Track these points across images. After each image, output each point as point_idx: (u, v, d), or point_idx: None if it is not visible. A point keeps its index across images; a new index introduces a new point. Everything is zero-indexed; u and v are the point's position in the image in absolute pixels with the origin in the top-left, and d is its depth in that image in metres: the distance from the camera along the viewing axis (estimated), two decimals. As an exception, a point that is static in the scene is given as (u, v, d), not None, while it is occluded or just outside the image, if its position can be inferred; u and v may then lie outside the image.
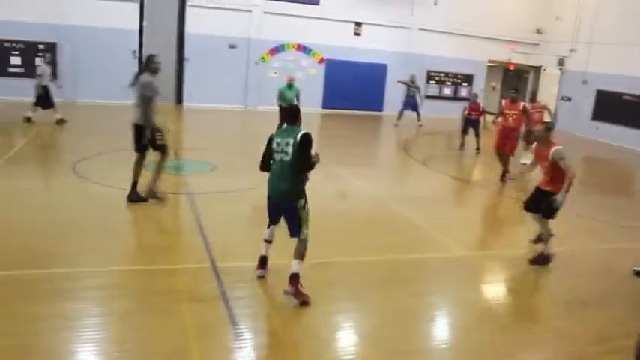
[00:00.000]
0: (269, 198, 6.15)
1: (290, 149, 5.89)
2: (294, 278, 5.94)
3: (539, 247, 8.02)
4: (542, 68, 25.81)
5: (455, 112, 24.42)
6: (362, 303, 6.22)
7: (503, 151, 12.56)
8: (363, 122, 21.20)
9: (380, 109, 23.35)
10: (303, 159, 5.86)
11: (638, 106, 20.41)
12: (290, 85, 14.97)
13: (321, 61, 22.28)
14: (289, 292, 5.93)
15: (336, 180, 11.79)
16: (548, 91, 25.36)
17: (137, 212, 8.55)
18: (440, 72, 24.60)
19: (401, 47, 23.46)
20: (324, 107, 22.19)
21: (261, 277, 6.42)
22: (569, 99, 23.33)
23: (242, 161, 12.61)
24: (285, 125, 6.20)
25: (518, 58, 25.70)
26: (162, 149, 8.86)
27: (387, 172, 13.67)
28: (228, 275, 6.43)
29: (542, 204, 7.55)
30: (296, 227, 6.04)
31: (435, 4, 23.12)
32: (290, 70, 21.57)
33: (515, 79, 27.77)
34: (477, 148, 16.27)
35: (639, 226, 10.26)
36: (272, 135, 6.14)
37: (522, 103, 12.65)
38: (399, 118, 20.35)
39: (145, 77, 8.67)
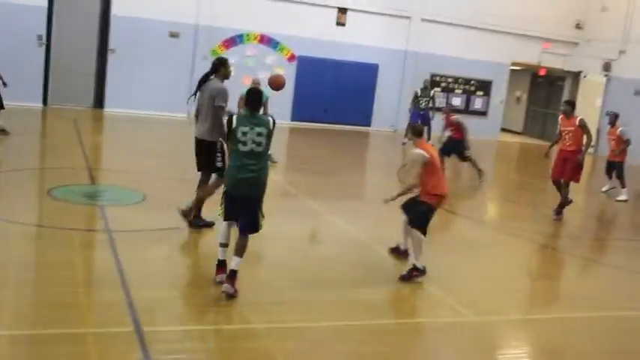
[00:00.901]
0: (228, 193, 7.42)
1: (263, 140, 7.20)
2: (233, 275, 7.30)
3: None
4: (583, 74, 26.38)
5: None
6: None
7: (559, 180, 13.23)
8: (345, 140, 21.36)
9: (367, 124, 23.60)
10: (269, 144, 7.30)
11: None
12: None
13: (292, 58, 22.50)
14: (228, 290, 7.26)
15: (309, 217, 11.84)
16: (589, 104, 25.90)
17: (38, 256, 8.47)
18: (448, 76, 25.01)
19: (397, 43, 23.81)
20: (294, 120, 22.37)
21: (220, 283, 7.46)
22: (616, 116, 23.76)
23: (181, 189, 12.59)
24: (245, 111, 7.44)
25: (551, 61, 26.28)
26: (220, 172, 9.51)
27: (375, 207, 13.71)
28: (158, 344, 6.40)
29: None
30: (254, 223, 7.45)
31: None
32: (251, 69, 21.77)
33: (547, 88, 28.34)
34: (479, 175, 16.32)
35: None
36: (231, 121, 7.26)
37: (579, 118, 13.04)
38: (406, 135, 20.53)
39: (216, 83, 9.40)
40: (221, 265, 7.64)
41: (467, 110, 25.33)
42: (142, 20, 20.73)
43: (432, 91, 20.85)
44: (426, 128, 20.59)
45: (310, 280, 8.58)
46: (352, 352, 6.84)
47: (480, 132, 24.64)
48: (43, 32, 19.95)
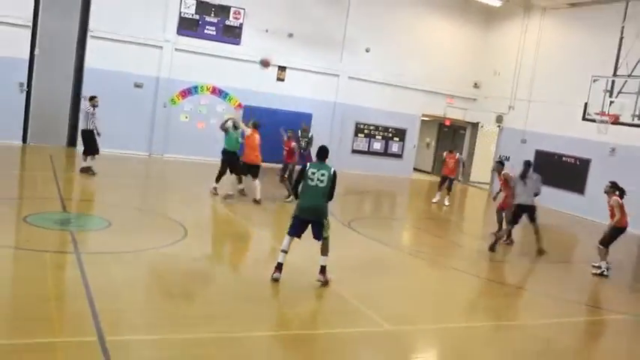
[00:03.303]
0: (297, 217, 9.06)
1: (325, 179, 9.02)
2: (323, 270, 9.15)
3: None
4: (480, 125, 27.10)
5: (385, 169, 25.19)
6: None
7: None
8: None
9: (303, 164, 23.66)
10: (333, 188, 9.09)
11: (577, 169, 21.70)
12: (236, 127, 16.24)
13: (239, 106, 22.51)
14: (321, 279, 9.11)
15: (255, 241, 11.77)
16: (485, 150, 26.63)
17: (13, 273, 8.22)
18: (370, 125, 25.35)
19: (328, 96, 24.09)
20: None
21: (275, 280, 8.84)
22: (507, 159, 24.46)
23: (142, 218, 12.43)
24: (316, 160, 9.31)
25: (454, 114, 26.93)
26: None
27: (306, 235, 13.80)
28: (119, 350, 6.26)
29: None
30: (320, 233, 9.11)
31: (367, 51, 24.01)
32: (204, 115, 21.74)
33: (451, 136, 28.99)
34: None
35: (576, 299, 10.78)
36: (306, 167, 9.14)
37: (504, 172, 14.61)
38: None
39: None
40: (279, 266, 9.03)
41: (385, 153, 25.69)
42: (111, 72, 20.47)
43: (311, 133, 20.89)
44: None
45: (253, 295, 8.52)
46: (283, 358, 6.82)
47: (396, 171, 25.13)
48: (24, 80, 19.55)
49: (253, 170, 15.46)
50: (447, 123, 27.86)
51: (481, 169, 26.65)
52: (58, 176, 15.77)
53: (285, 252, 9.10)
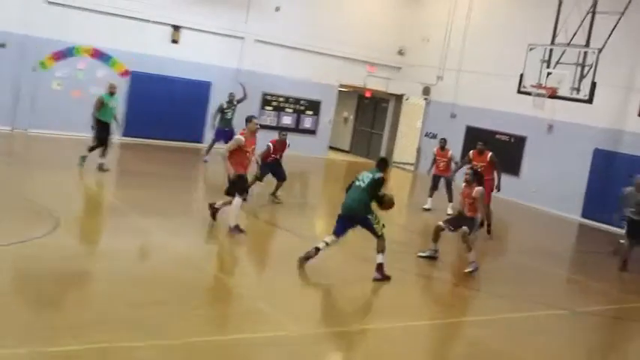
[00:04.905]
0: (340, 217, 10.67)
1: (366, 180, 10.60)
2: (380, 267, 10.50)
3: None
4: (405, 97, 27.50)
5: (296, 147, 25.12)
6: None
7: None
8: (178, 157, 21.08)
9: (200, 140, 23.39)
10: (375, 195, 10.57)
11: (511, 148, 22.37)
12: (112, 94, 16.38)
13: (125, 73, 21.92)
14: (377, 277, 10.45)
15: (137, 234, 11.61)
16: (410, 126, 27.05)
17: None
18: (279, 96, 25.25)
19: (231, 62, 23.82)
20: (125, 135, 21.61)
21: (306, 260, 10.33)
22: (434, 136, 24.97)
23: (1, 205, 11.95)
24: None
25: (376, 84, 27.19)
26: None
27: (205, 224, 13.66)
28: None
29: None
30: (373, 230, 10.48)
31: (277, 10, 23.86)
32: (81, 82, 21.07)
33: (372, 109, 29.31)
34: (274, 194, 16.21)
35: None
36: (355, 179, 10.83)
37: (490, 154, 15.81)
38: (208, 152, 20.37)
39: None
40: (315, 251, 10.48)
41: (297, 129, 25.65)
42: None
43: (236, 102, 20.83)
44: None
45: (138, 299, 8.34)
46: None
47: (309, 150, 25.15)
48: None
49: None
50: (368, 95, 28.13)
51: (406, 148, 27.10)
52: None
53: (327, 244, 10.57)
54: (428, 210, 17.30)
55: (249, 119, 12.31)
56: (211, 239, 12.53)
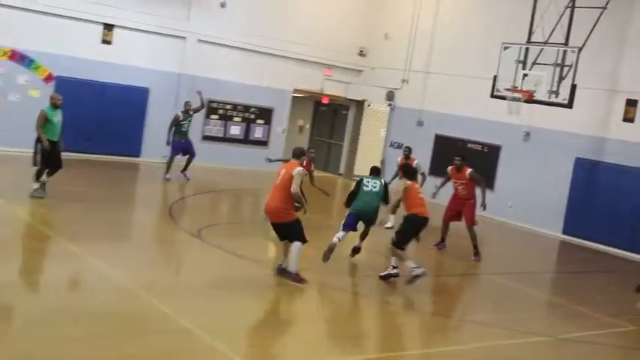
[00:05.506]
0: (354, 215, 13.32)
1: (378, 186, 13.52)
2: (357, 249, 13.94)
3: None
4: (367, 103, 27.62)
5: (246, 160, 25.12)
6: None
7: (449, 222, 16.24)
8: (111, 173, 20.84)
9: (137, 154, 23.24)
10: (386, 197, 13.71)
11: (485, 158, 22.59)
12: (56, 106, 15.64)
13: (49, 78, 21.68)
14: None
15: (69, 261, 11.46)
16: (373, 135, 27.14)
17: None
18: (226, 103, 25.17)
19: (171, 65, 23.70)
20: (51, 148, 21.47)
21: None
22: (400, 146, 25.11)
23: None
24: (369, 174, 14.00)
25: (334, 89, 27.29)
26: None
27: (143, 249, 13.55)
28: None
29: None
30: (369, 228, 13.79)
31: (223, 5, 23.79)
32: (-1, 89, 20.82)
33: (331, 117, 29.38)
34: None
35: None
36: (361, 180, 13.74)
37: (469, 170, 15.83)
38: (168, 169, 20.23)
39: None
40: (333, 247, 12.65)
41: (246, 140, 25.63)
42: None
43: (192, 112, 20.81)
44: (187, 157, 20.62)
45: (68, 334, 8.25)
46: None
47: (260, 163, 25.08)
48: None
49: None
50: (325, 101, 28.18)
51: (369, 160, 27.15)
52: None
53: (340, 240, 12.82)
54: (390, 228, 17.34)
55: (304, 152, 12.68)
56: (150, 265, 12.45)
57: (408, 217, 12.79)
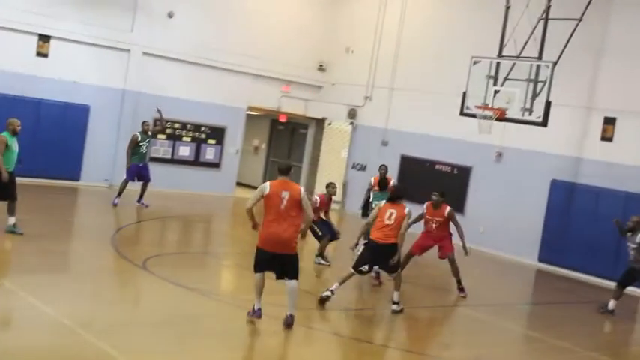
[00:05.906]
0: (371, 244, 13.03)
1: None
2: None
3: None
4: (327, 122, 27.66)
5: (196, 184, 24.98)
6: None
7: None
8: (47, 199, 20.59)
9: (77, 178, 23.02)
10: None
11: (454, 181, 22.70)
12: (15, 133, 15.14)
13: (-20, 94, 21.44)
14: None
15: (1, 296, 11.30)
16: (334, 155, 27.18)
17: None
18: (174, 122, 25.04)
19: (114, 80, 23.56)
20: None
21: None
22: (363, 167, 25.18)
23: None
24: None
25: (292, 106, 27.33)
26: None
27: (82, 282, 13.34)
28: None
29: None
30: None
31: (170, 15, 23.80)
32: None
33: (289, 136, 29.40)
34: None
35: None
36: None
37: (448, 208, 15.46)
38: (120, 194, 20.05)
39: None
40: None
41: (197, 162, 25.50)
42: None
43: (150, 134, 20.71)
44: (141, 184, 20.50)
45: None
46: None
47: (212, 187, 25.05)
48: None
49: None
50: (283, 119, 28.20)
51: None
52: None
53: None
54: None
55: (291, 167, 11.84)
56: (89, 299, 12.27)
57: (366, 241, 13.27)
